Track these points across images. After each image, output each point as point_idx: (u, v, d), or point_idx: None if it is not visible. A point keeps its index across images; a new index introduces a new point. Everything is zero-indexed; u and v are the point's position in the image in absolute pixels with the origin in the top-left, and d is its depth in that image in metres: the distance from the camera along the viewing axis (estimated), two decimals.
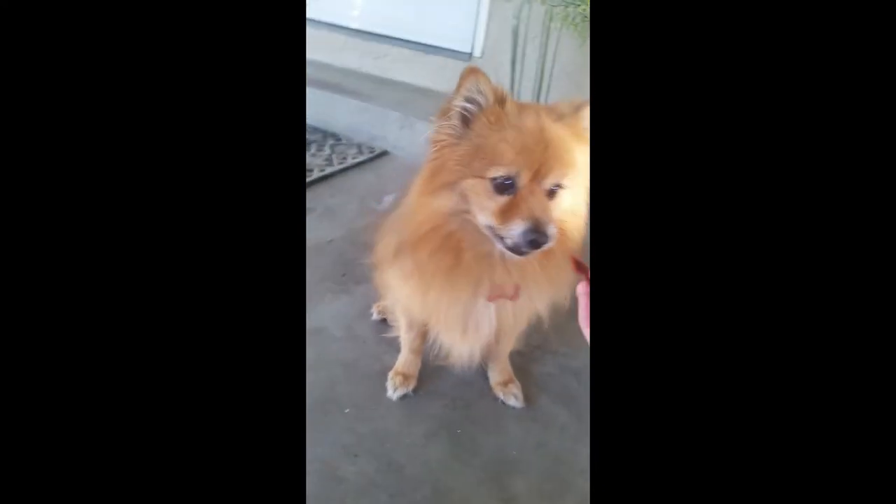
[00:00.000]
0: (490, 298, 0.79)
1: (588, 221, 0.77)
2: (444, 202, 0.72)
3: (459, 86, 0.70)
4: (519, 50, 1.74)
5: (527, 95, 1.89)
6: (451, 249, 0.74)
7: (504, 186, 0.68)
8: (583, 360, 1.16)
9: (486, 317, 0.82)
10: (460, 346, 0.90)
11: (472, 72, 0.69)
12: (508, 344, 1.01)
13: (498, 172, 0.67)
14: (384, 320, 1.21)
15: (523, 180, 0.67)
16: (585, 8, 1.57)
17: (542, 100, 1.85)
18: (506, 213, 0.67)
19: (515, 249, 0.69)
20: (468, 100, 0.70)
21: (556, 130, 0.69)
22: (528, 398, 1.04)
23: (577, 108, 0.72)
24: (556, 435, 0.98)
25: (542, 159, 0.67)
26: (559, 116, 0.71)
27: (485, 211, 0.69)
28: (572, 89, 2.01)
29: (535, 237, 0.65)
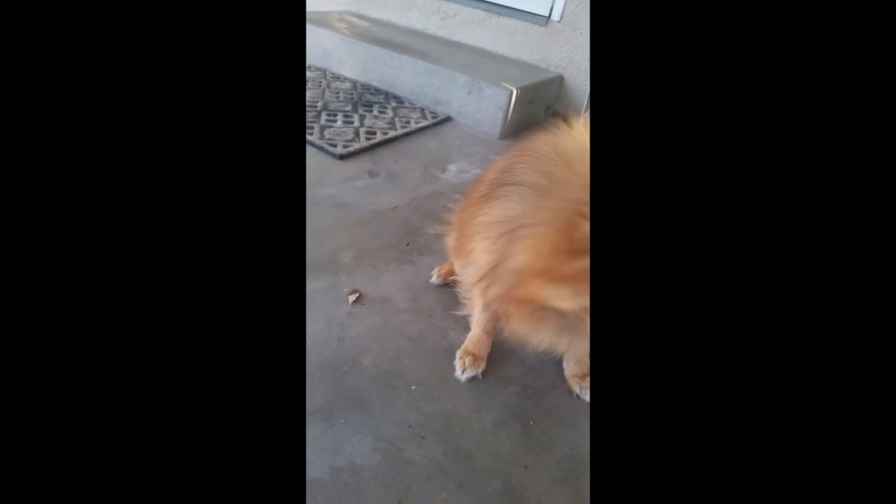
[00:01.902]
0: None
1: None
2: (564, 300, 0.60)
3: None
4: None
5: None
6: (539, 315, 0.67)
7: None
8: None
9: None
10: (540, 340, 0.82)
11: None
12: (588, 334, 0.93)
13: None
14: (446, 285, 1.15)
15: None
16: None
17: None
18: None
19: None
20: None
21: None
22: None
23: None
24: None
25: None
26: None
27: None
28: None
29: None
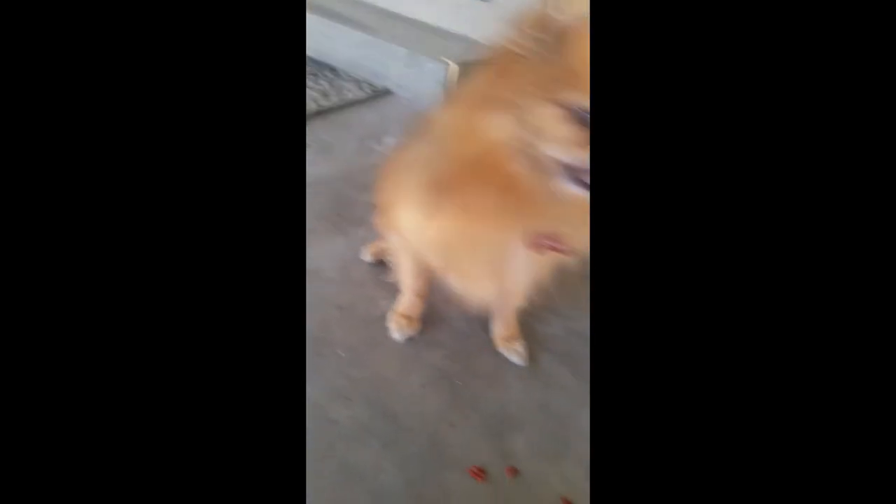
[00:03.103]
0: (531, 247, 0.71)
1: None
2: (504, 127, 0.60)
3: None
4: None
5: None
6: (501, 181, 0.63)
7: (581, 118, 0.57)
8: (588, 324, 1.12)
9: (521, 262, 0.75)
10: (476, 290, 0.84)
11: None
12: (518, 298, 0.96)
13: (578, 100, 0.56)
14: (380, 262, 1.15)
15: None
16: None
17: None
18: (580, 145, 0.57)
19: (587, 184, 0.59)
20: (556, 15, 0.58)
21: None
22: (531, 357, 1.00)
23: None
24: (558, 395, 0.95)
25: None
26: None
27: (554, 140, 0.58)
28: None
29: None
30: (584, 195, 0.61)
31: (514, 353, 0.99)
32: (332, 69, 2.14)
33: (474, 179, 0.64)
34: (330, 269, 1.13)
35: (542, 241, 0.70)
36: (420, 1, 2.33)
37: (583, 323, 1.11)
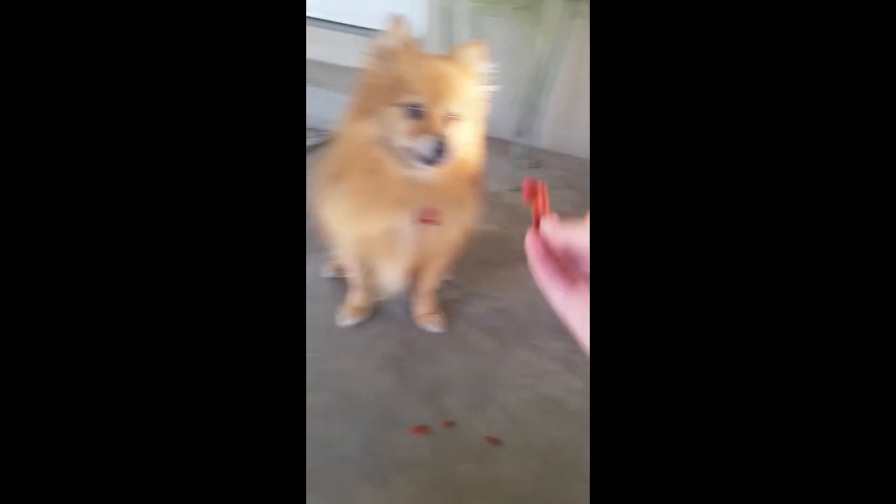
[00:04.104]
0: (416, 220, 0.97)
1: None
2: (369, 128, 0.89)
3: (389, 30, 0.90)
4: (455, 30, 1.87)
5: None
6: (377, 172, 0.92)
7: (414, 112, 0.86)
8: (508, 301, 1.35)
9: (410, 237, 0.99)
10: (389, 271, 1.08)
11: (395, 19, 0.88)
12: (432, 278, 1.20)
13: (409, 99, 0.86)
14: (338, 276, 1.38)
15: (428, 107, 0.86)
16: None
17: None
18: (416, 132, 0.86)
19: (426, 160, 0.87)
20: (388, 42, 0.89)
21: (448, 67, 0.90)
22: (461, 334, 1.23)
23: (461, 48, 0.93)
24: (482, 359, 1.18)
25: (438, 90, 0.87)
26: (450, 58, 0.92)
27: (399, 132, 0.87)
28: (503, 65, 2.16)
29: (440, 148, 0.85)
30: (427, 170, 0.90)
31: (433, 324, 1.24)
32: None
33: (355, 169, 0.94)
34: None
35: (423, 215, 0.97)
36: (354, 49, 2.61)
37: (503, 301, 1.35)
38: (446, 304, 1.32)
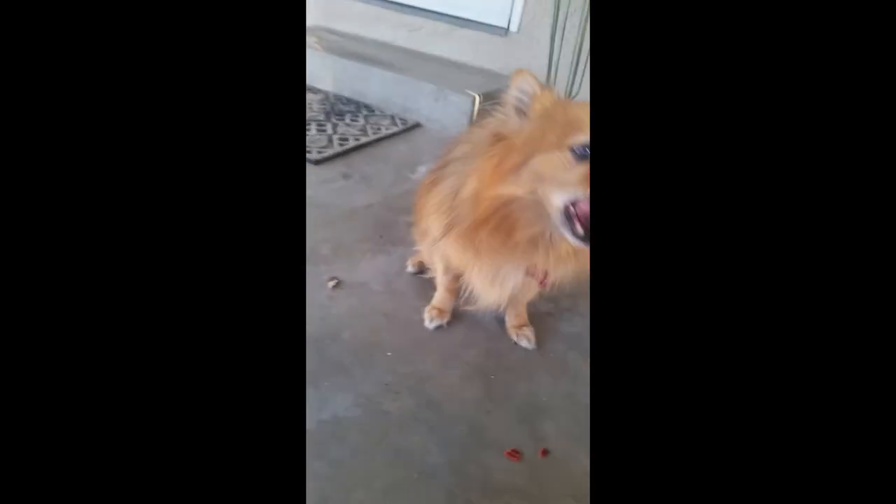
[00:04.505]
0: (528, 274, 0.89)
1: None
2: (514, 186, 0.77)
3: (511, 84, 0.80)
4: (559, 23, 1.76)
5: (563, 70, 1.92)
6: (506, 229, 0.82)
7: (586, 155, 0.70)
8: None
9: (514, 279, 0.92)
10: (488, 295, 0.99)
11: (519, 72, 0.79)
12: (527, 296, 1.10)
13: (582, 139, 0.70)
14: (420, 273, 1.29)
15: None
16: None
17: (578, 72, 1.88)
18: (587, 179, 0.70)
19: (581, 238, 0.73)
20: (521, 93, 0.79)
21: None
22: (558, 353, 1.11)
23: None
24: (583, 386, 1.05)
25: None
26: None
27: (565, 183, 0.72)
28: None
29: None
30: (577, 244, 0.75)
31: (524, 337, 1.12)
32: (368, 108, 2.36)
33: (486, 226, 0.82)
34: (376, 283, 1.27)
35: (536, 273, 0.88)
36: (442, 40, 2.54)
37: None
38: (540, 318, 1.19)
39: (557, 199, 0.74)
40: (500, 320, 1.16)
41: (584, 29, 1.78)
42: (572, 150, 0.71)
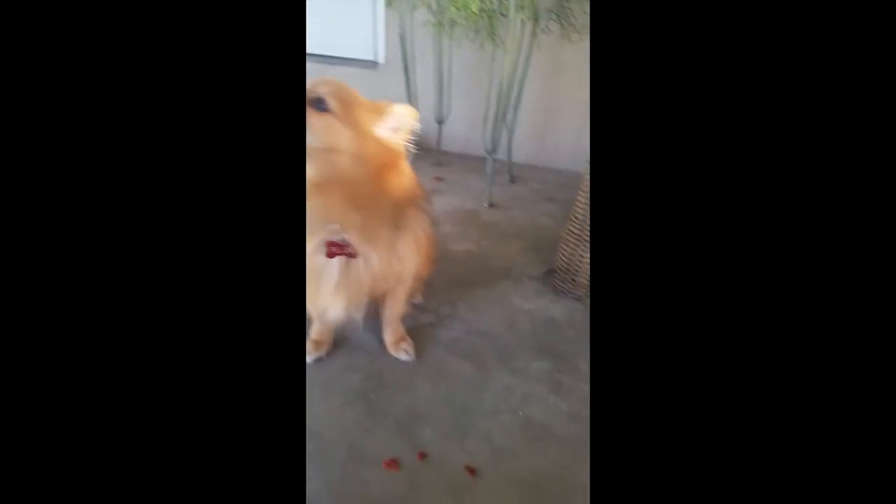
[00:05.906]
0: (329, 255, 0.87)
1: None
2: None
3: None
4: (410, 53, 1.87)
5: (429, 94, 2.03)
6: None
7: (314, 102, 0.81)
8: (486, 323, 1.28)
9: (333, 273, 0.90)
10: (331, 307, 0.96)
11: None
12: (396, 305, 1.11)
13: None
14: None
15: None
16: (453, 13, 1.72)
17: (444, 94, 2.00)
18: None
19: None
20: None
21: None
22: (437, 360, 1.15)
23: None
24: (461, 387, 1.09)
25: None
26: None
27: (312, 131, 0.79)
28: (470, 84, 2.17)
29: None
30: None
31: (403, 352, 1.16)
32: None
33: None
34: None
35: (332, 249, 0.87)
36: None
37: (481, 323, 1.27)
38: (421, 330, 1.24)
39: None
40: (382, 340, 1.19)
41: (441, 54, 1.90)
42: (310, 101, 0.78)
